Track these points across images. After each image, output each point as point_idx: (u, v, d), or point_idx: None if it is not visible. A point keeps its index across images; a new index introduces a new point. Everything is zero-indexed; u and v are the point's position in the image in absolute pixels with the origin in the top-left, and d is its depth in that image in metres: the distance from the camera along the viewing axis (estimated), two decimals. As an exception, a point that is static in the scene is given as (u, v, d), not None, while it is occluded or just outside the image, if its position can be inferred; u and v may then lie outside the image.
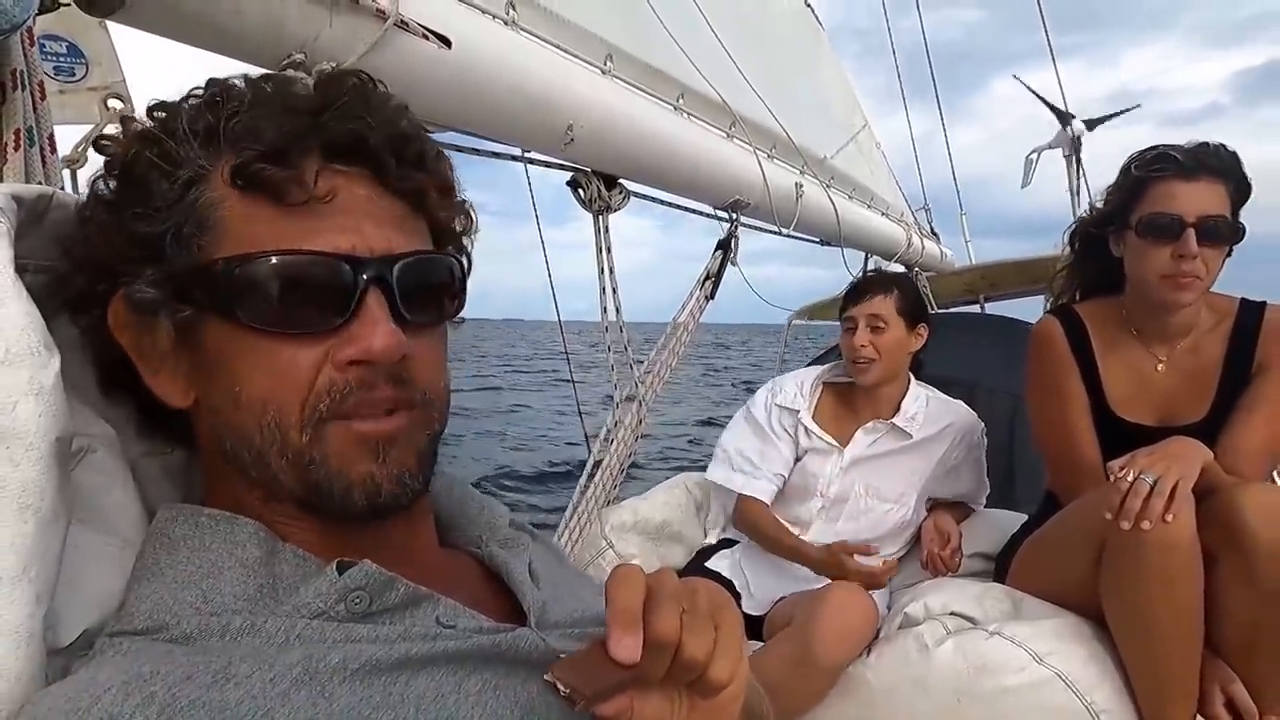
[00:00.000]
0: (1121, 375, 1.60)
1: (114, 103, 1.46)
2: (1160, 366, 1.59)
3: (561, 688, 0.47)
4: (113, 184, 0.55)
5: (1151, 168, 1.51)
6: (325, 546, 0.55)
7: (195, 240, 0.52)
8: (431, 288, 0.58)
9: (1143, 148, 1.57)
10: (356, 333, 0.52)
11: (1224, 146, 1.50)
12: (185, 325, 0.54)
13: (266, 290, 0.51)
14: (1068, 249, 1.73)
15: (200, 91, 0.56)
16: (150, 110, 0.56)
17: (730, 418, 2.06)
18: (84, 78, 2.14)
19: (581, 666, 0.48)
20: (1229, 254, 1.50)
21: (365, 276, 0.52)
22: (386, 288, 0.53)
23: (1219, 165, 1.48)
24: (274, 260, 0.51)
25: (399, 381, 0.54)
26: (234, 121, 0.52)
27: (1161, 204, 1.48)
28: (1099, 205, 1.65)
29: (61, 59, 2.03)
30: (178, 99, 0.56)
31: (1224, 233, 1.46)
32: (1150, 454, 1.31)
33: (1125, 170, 1.57)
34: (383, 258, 0.53)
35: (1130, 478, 1.28)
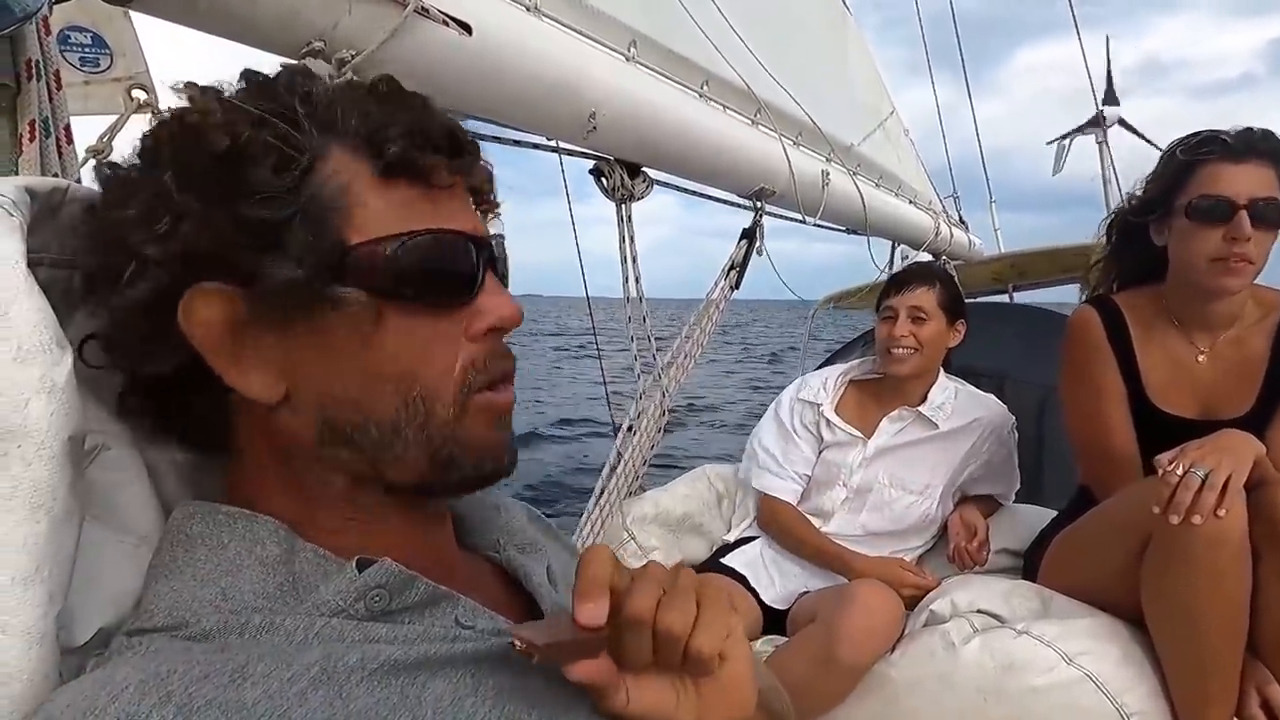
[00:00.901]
0: (1161, 366, 1.56)
1: (138, 93, 1.46)
2: (1201, 358, 1.54)
3: (518, 643, 0.47)
4: (202, 169, 0.50)
5: (1199, 151, 1.47)
6: (363, 542, 0.55)
7: (328, 224, 0.51)
8: (505, 267, 0.61)
9: (1185, 133, 1.53)
10: (486, 305, 0.55)
11: (1271, 131, 1.47)
12: (305, 310, 0.51)
13: (422, 268, 0.53)
14: (1104, 240, 1.69)
15: (262, 77, 0.55)
16: (227, 95, 0.53)
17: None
18: (109, 68, 2.15)
19: (545, 629, 0.49)
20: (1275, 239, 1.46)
21: (483, 255, 0.56)
22: (495, 265, 0.58)
23: (1267, 148, 1.45)
24: (431, 239, 0.53)
25: (508, 353, 0.58)
26: (350, 107, 0.53)
27: (1210, 186, 1.45)
28: (1137, 194, 1.61)
29: (87, 50, 2.05)
30: (237, 84, 0.54)
31: (1275, 216, 1.42)
32: (1201, 447, 1.27)
33: (1169, 155, 1.53)
34: (485, 239, 0.57)
35: (1180, 471, 1.24)
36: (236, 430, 0.56)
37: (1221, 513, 1.21)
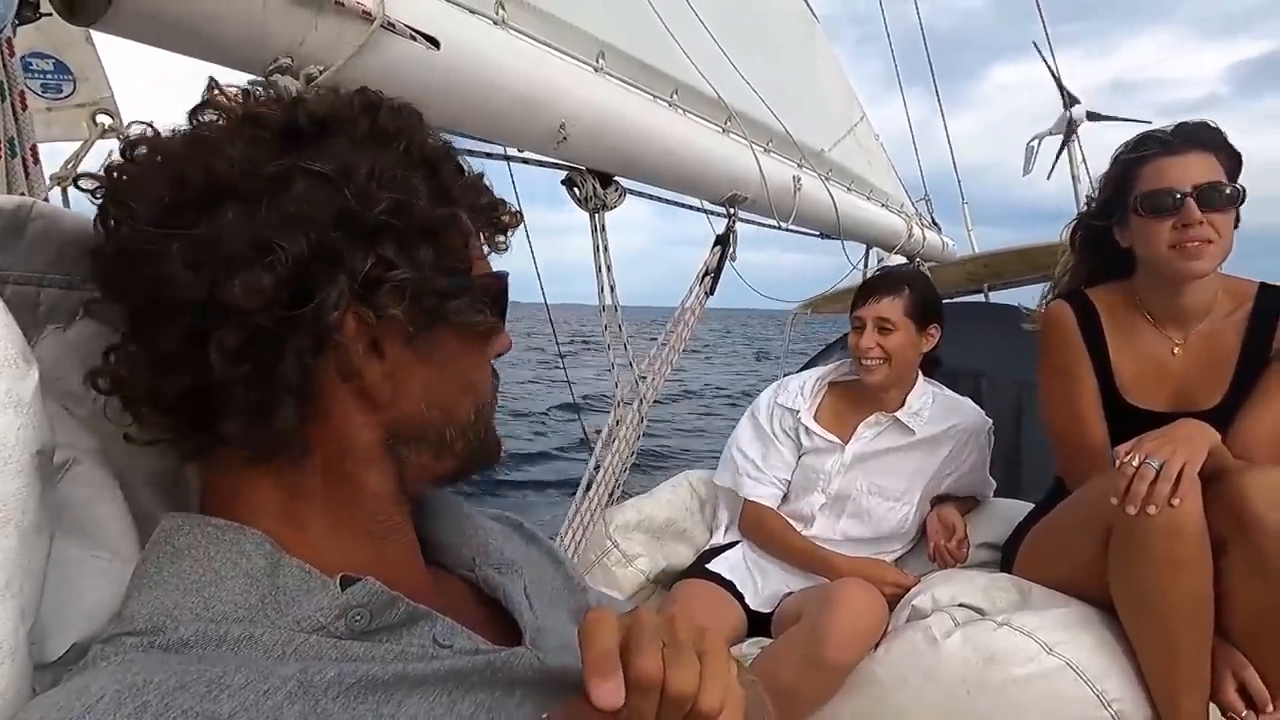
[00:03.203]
0: (1134, 361, 1.59)
1: (102, 118, 1.45)
2: (1176, 350, 1.57)
3: None
4: (419, 237, 0.56)
5: (1139, 150, 1.53)
6: (350, 558, 0.55)
7: (461, 259, 0.60)
8: None
9: (1127, 138, 1.60)
10: (503, 335, 0.66)
11: (1206, 122, 1.52)
12: (434, 327, 0.58)
13: (499, 300, 0.64)
14: (1069, 245, 1.73)
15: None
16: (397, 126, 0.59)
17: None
18: (71, 94, 2.13)
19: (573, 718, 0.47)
20: (1238, 222, 1.50)
21: None
22: None
23: (1203, 137, 1.50)
24: (502, 278, 0.65)
25: None
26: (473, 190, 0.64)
27: (1154, 181, 1.49)
28: (1094, 197, 1.65)
29: (49, 76, 2.03)
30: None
31: (1224, 197, 1.46)
32: (1156, 438, 1.30)
33: (1114, 160, 1.59)
34: None
35: (1136, 462, 1.26)
36: (298, 439, 0.55)
37: (1175, 502, 1.23)
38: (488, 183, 0.65)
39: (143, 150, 0.55)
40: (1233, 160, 1.50)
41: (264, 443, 0.54)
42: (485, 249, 0.66)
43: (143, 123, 0.56)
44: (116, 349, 0.55)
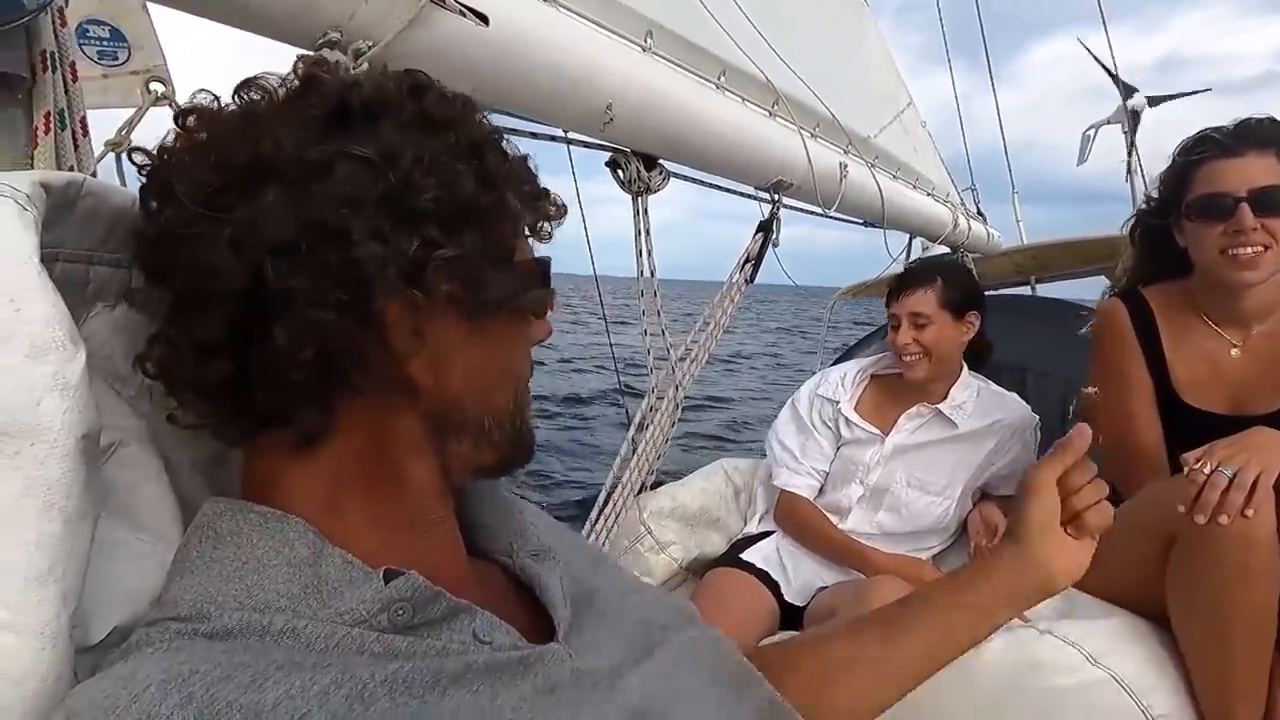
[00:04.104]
0: (1191, 361, 1.53)
1: (155, 85, 1.46)
2: (1235, 352, 1.51)
3: None
4: (465, 216, 0.55)
5: (1194, 152, 1.48)
6: (392, 550, 0.55)
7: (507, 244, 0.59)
8: None
9: (1189, 134, 1.53)
10: (545, 321, 0.65)
11: (1271, 118, 1.45)
12: (480, 312, 0.57)
13: (542, 284, 0.63)
14: (1129, 244, 1.67)
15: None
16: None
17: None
18: (126, 61, 2.15)
19: None
20: None
21: None
22: None
23: (1263, 136, 1.43)
24: (543, 262, 0.64)
25: None
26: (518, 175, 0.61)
27: (1208, 185, 1.44)
28: (1154, 195, 1.60)
29: (105, 43, 2.05)
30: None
31: None
32: (1229, 445, 1.24)
33: (1172, 160, 1.54)
34: None
35: (1208, 469, 1.22)
36: (339, 425, 0.55)
37: (1249, 512, 1.18)
38: (533, 167, 0.64)
39: (193, 121, 0.54)
40: None
41: (306, 429, 0.54)
42: (529, 236, 0.64)
43: (205, 91, 0.55)
44: (159, 336, 0.54)
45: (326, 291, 0.50)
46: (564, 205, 0.66)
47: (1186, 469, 1.24)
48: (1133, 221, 1.67)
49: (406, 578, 0.51)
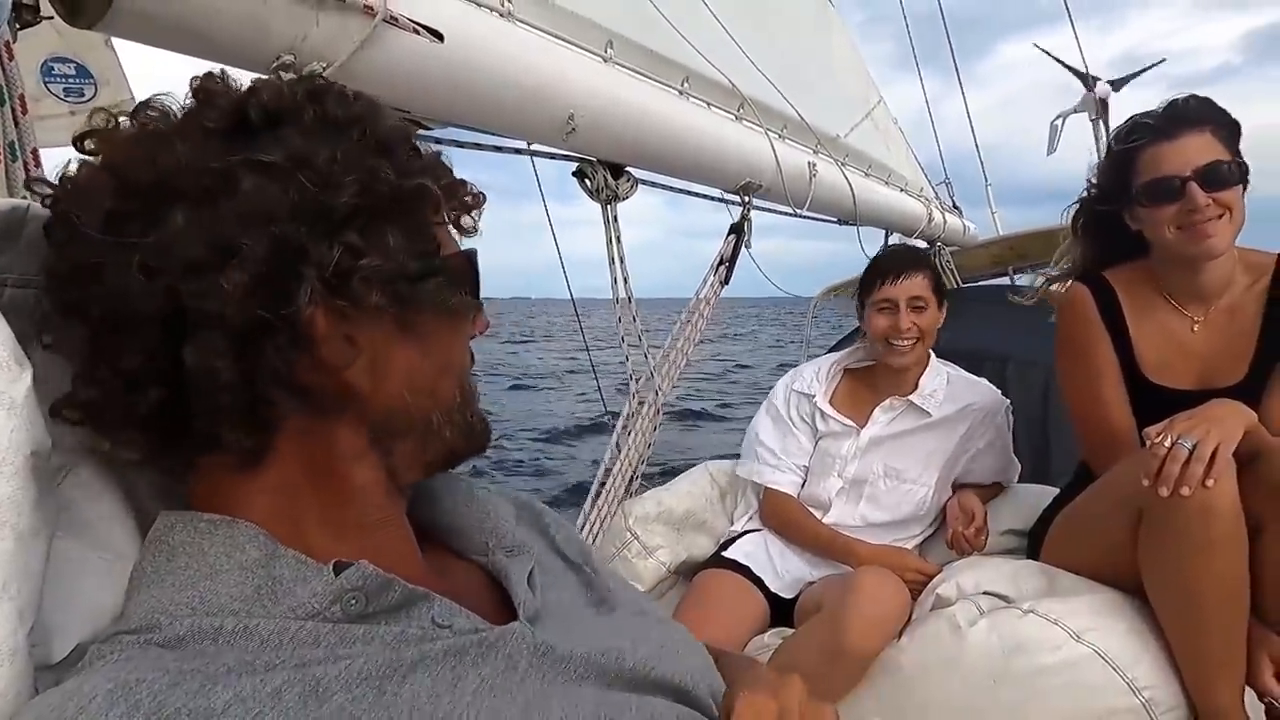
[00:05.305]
0: (1155, 340, 1.55)
1: (124, 121, 1.46)
2: (1196, 328, 1.53)
3: None
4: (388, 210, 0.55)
5: (1130, 140, 1.50)
6: (347, 547, 0.55)
7: (431, 239, 0.59)
8: None
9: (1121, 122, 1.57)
10: (480, 314, 0.66)
11: (1194, 96, 1.48)
12: (409, 309, 0.57)
13: (472, 278, 0.64)
14: (1070, 229, 1.69)
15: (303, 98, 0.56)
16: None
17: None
18: (94, 97, 2.15)
19: None
20: (1245, 189, 1.45)
21: None
22: None
23: (1195, 115, 1.46)
24: (470, 255, 0.64)
25: None
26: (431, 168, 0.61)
27: (1153, 170, 1.46)
28: (1093, 182, 1.62)
29: (71, 80, 2.06)
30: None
31: (1226, 175, 1.42)
32: (1189, 418, 1.26)
33: (1109, 150, 1.57)
34: None
35: (1168, 443, 1.23)
36: (277, 441, 0.55)
37: (1209, 483, 1.20)
38: (446, 162, 0.63)
39: (91, 144, 0.54)
40: (1230, 129, 1.46)
41: (243, 450, 0.54)
42: (452, 230, 0.64)
43: (102, 110, 0.55)
44: (81, 375, 0.53)
45: (243, 309, 0.49)
46: (482, 194, 0.65)
47: (1148, 443, 1.26)
48: (1075, 209, 1.68)
49: (357, 567, 0.52)
